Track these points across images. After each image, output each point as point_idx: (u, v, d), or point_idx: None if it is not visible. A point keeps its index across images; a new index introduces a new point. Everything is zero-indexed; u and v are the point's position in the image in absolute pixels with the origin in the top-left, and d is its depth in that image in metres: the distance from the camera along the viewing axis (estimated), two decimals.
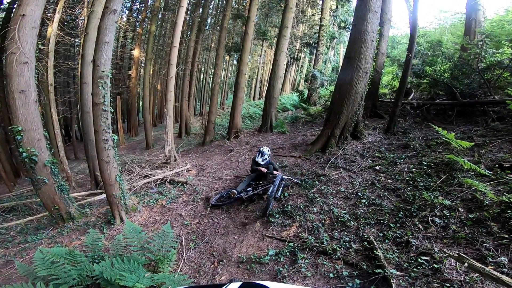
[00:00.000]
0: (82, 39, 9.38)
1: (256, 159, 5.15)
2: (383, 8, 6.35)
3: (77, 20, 12.44)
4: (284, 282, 2.85)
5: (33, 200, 6.40)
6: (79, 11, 9.59)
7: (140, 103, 25.53)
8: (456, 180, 3.61)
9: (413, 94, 8.26)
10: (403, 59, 8.37)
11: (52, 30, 8.41)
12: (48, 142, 4.68)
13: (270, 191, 4.26)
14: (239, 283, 0.53)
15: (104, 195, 5.95)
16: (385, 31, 7.24)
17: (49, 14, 8.51)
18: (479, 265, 2.10)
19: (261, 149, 5.22)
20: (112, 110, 4.41)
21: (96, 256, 3.43)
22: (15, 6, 4.24)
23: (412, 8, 6.76)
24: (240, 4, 16.99)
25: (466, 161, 3.65)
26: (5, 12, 12.59)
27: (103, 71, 4.30)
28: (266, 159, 5.13)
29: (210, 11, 19.30)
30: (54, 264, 2.94)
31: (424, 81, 7.87)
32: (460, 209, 3.11)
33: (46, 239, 4.58)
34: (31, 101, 4.28)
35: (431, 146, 4.85)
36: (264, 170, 4.98)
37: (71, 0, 9.82)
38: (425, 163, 4.21)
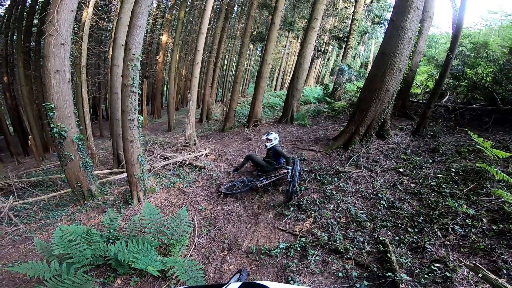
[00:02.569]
0: (115, 23, 9.61)
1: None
2: (425, 5, 5.89)
3: (110, 5, 12.81)
4: (291, 277, 2.84)
5: (58, 176, 6.70)
6: None
7: (165, 87, 26.17)
8: (484, 190, 3.42)
9: (448, 96, 7.76)
10: (441, 59, 7.85)
11: (87, 14, 8.70)
12: (77, 119, 4.90)
13: (290, 174, 4.36)
14: (239, 284, 0.51)
15: (124, 175, 6.16)
16: (425, 29, 6.77)
17: None
18: (493, 276, 2.06)
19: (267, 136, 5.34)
20: (139, 92, 4.53)
21: (111, 236, 3.55)
22: None
23: (457, 7, 6.26)
24: None
25: (498, 171, 3.40)
26: None
27: (134, 54, 4.39)
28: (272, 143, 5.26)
29: None
30: (71, 242, 3.06)
31: (462, 83, 7.35)
32: (484, 219, 2.97)
33: (66, 216, 4.80)
34: (65, 81, 4.50)
35: (462, 153, 4.56)
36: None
37: None
38: (453, 170, 3.99)
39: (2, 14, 15.12)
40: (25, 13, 13.18)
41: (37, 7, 13.62)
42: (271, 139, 5.21)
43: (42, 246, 3.20)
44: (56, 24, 4.24)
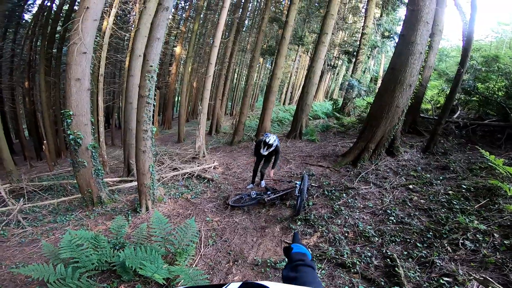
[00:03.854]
0: (133, 34, 9.93)
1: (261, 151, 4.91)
2: (435, 19, 5.91)
3: (128, 16, 13.31)
4: None
5: (69, 181, 6.74)
6: (132, 6, 10.17)
7: (176, 99, 26.72)
8: (496, 206, 3.39)
9: (459, 112, 7.67)
10: (452, 73, 7.81)
11: (108, 23, 8.99)
12: (93, 127, 5.04)
13: (299, 189, 4.34)
14: (239, 283, 0.54)
15: (133, 183, 6.23)
16: (435, 43, 6.78)
17: (106, 8, 9.18)
18: None
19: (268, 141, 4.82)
20: (154, 103, 4.64)
21: (117, 243, 3.55)
22: None
23: (467, 20, 6.26)
24: (277, 8, 17.03)
25: (511, 187, 3.36)
26: (68, 5, 13.90)
27: (152, 66, 4.48)
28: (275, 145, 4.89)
29: (248, 13, 19.59)
30: (78, 247, 3.07)
31: (474, 98, 7.27)
32: (495, 234, 2.94)
33: (74, 221, 4.82)
34: (84, 89, 4.63)
35: (473, 170, 4.51)
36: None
37: None
38: (464, 187, 3.96)
39: (30, 20, 15.78)
40: (50, 20, 13.72)
41: (61, 14, 14.19)
42: (272, 144, 4.82)
43: (50, 249, 3.21)
44: (80, 33, 4.37)
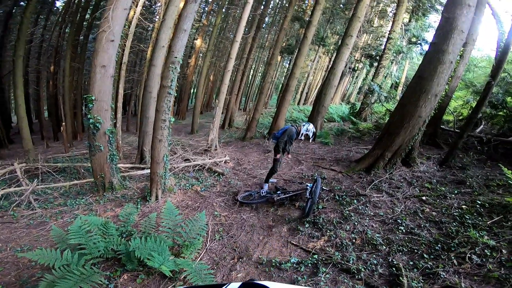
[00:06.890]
0: (157, 24, 9.93)
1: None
2: (470, 28, 5.65)
3: (154, 6, 13.35)
4: None
5: (83, 165, 6.87)
6: None
7: (192, 91, 26.98)
8: (510, 223, 3.34)
9: (482, 126, 7.35)
10: (479, 84, 7.47)
11: (135, 13, 9.06)
12: (112, 113, 5.14)
13: (310, 191, 4.31)
14: (239, 283, 0.54)
15: (145, 171, 6.35)
16: (466, 53, 6.45)
17: None
18: None
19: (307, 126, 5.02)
20: (175, 94, 4.67)
21: (125, 231, 3.57)
22: None
23: (503, 30, 5.92)
24: (300, 6, 16.77)
25: None
26: None
27: (176, 57, 4.53)
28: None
29: (269, 10, 19.37)
30: (87, 233, 3.06)
31: (500, 113, 6.94)
32: (503, 250, 2.91)
33: (84, 205, 4.89)
34: (108, 76, 4.73)
35: (490, 187, 4.40)
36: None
37: None
38: (479, 202, 3.89)
39: (61, 8, 16.26)
40: (80, 8, 14.11)
41: (91, 2, 14.49)
42: (310, 130, 5.01)
43: (58, 233, 3.18)
44: (110, 21, 4.45)
